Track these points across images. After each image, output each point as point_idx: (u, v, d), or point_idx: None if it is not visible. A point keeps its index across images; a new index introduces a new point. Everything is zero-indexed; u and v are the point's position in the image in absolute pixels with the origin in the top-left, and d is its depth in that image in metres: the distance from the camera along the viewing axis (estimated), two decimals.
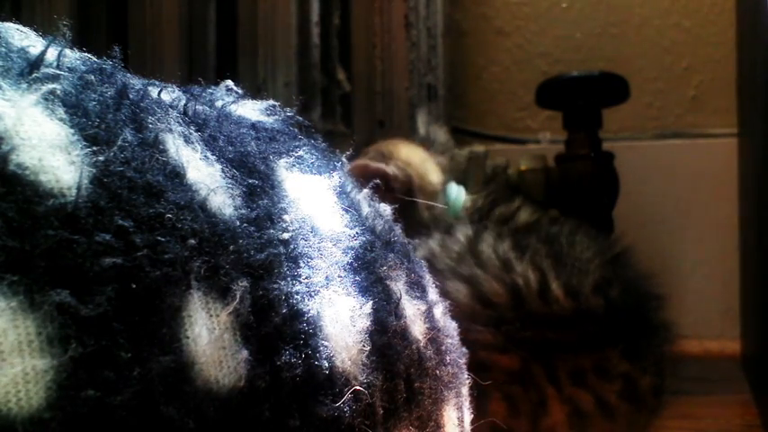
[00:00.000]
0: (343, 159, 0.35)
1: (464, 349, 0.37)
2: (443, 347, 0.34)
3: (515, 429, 0.58)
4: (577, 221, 0.79)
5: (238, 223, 0.26)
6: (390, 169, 0.80)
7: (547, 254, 0.65)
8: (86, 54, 0.28)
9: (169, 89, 0.29)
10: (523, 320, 0.59)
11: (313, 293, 0.27)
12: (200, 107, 0.29)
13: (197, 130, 0.28)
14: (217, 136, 0.28)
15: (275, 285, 0.25)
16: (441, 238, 0.68)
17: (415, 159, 0.84)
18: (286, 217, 0.28)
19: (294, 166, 0.30)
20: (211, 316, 0.23)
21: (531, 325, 0.59)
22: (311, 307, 0.26)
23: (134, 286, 0.22)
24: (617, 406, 0.60)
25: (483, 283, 0.61)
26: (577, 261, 0.65)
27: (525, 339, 0.58)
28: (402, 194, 0.79)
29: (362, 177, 0.78)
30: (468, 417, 0.36)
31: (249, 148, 0.29)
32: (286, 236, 0.27)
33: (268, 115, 0.33)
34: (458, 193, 0.84)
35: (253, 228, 0.26)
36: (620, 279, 0.66)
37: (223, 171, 0.27)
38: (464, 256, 0.64)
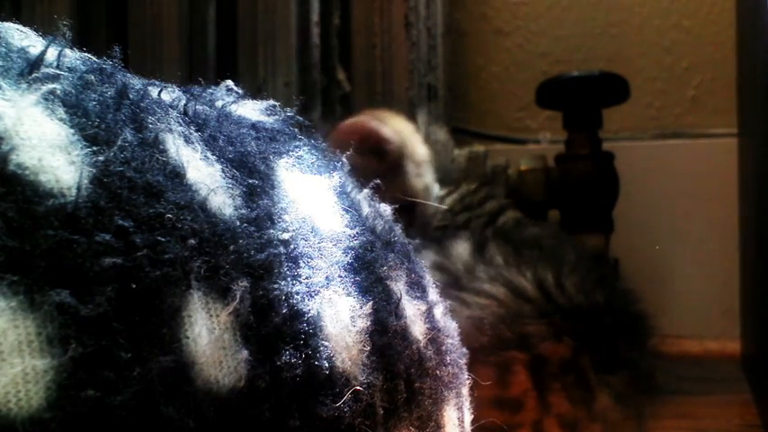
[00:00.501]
0: (344, 159, 0.35)
1: (464, 350, 0.37)
2: (443, 347, 0.34)
3: (576, 420, 0.59)
4: (555, 226, 0.82)
5: (238, 223, 0.26)
6: (386, 130, 0.79)
7: (548, 257, 0.66)
8: (86, 54, 0.28)
9: (169, 89, 0.29)
10: (559, 312, 0.60)
11: (313, 293, 0.27)
12: (201, 107, 0.29)
13: (197, 130, 0.28)
14: (217, 136, 0.28)
15: (275, 285, 0.25)
16: (441, 248, 0.68)
17: (404, 129, 0.85)
18: (286, 217, 0.28)
19: (294, 166, 0.30)
20: (211, 316, 0.23)
21: (565, 316, 0.60)
22: (311, 307, 0.26)
23: (134, 286, 0.22)
24: (631, 392, 0.61)
25: (513, 279, 0.62)
26: (574, 263, 0.67)
27: (568, 329, 0.59)
28: (394, 159, 0.79)
29: (356, 136, 0.78)
30: (468, 417, 0.36)
31: (249, 148, 0.29)
32: (286, 236, 0.27)
33: (268, 115, 0.33)
34: (433, 181, 0.85)
35: (253, 228, 0.26)
36: (606, 279, 0.68)
37: (223, 171, 0.27)
38: (476, 262, 0.65)
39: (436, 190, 0.86)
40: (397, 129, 0.83)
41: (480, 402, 0.57)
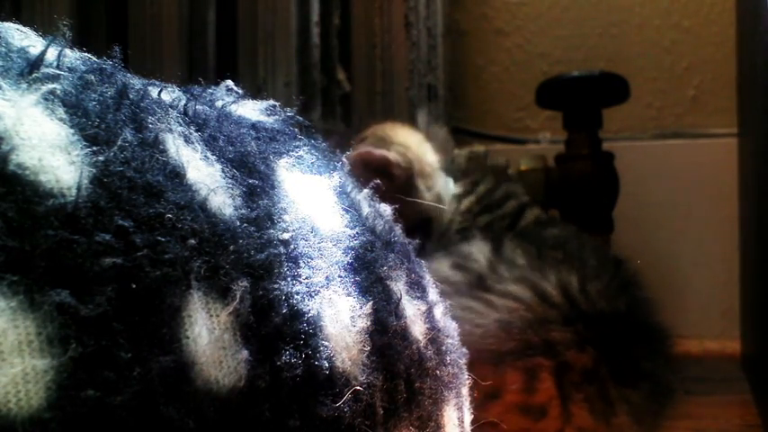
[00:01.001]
0: (344, 159, 0.35)
1: (464, 350, 0.37)
2: (444, 347, 0.34)
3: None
4: (575, 228, 0.81)
5: (238, 223, 0.26)
6: (392, 156, 0.80)
7: (572, 260, 0.66)
8: (86, 54, 0.28)
9: (169, 89, 0.29)
10: (582, 319, 0.60)
11: (313, 293, 0.27)
12: (201, 107, 0.29)
13: (197, 130, 0.28)
14: (217, 136, 0.28)
15: (275, 285, 0.25)
16: (458, 250, 0.68)
17: (412, 142, 0.85)
18: (286, 217, 0.28)
19: (294, 166, 0.30)
20: (211, 316, 0.23)
21: (588, 323, 0.60)
22: (311, 307, 0.26)
23: (134, 286, 0.22)
24: (649, 409, 0.61)
25: (538, 283, 0.62)
26: (597, 268, 0.66)
27: (591, 337, 0.59)
28: (403, 181, 0.80)
29: (365, 165, 0.79)
30: (468, 417, 0.36)
31: (249, 148, 0.29)
32: (286, 236, 0.27)
33: (268, 115, 0.33)
34: (445, 184, 0.85)
35: (253, 228, 0.26)
36: (628, 285, 0.67)
37: (223, 171, 0.27)
38: (498, 261, 0.65)
39: (451, 188, 0.85)
40: (405, 144, 0.83)
41: (506, 407, 0.57)
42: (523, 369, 0.57)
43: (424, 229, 0.79)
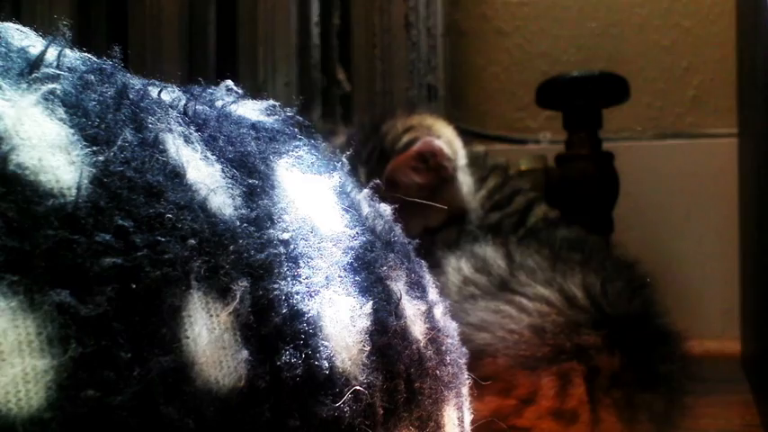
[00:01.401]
0: (344, 159, 0.35)
1: (464, 350, 0.37)
2: (443, 347, 0.34)
3: None
4: (583, 229, 0.80)
5: (238, 223, 0.26)
6: (446, 149, 0.79)
7: (590, 261, 0.66)
8: (86, 54, 0.28)
9: (169, 89, 0.29)
10: (608, 322, 0.59)
11: (313, 293, 0.27)
12: (201, 107, 0.29)
13: (197, 130, 0.28)
14: (217, 136, 0.28)
15: (275, 285, 0.25)
16: (473, 252, 0.68)
17: (452, 134, 0.84)
18: (286, 217, 0.28)
19: (294, 166, 0.30)
20: (211, 316, 0.23)
21: (613, 326, 0.59)
22: (311, 307, 0.26)
23: (134, 286, 0.22)
24: (666, 409, 0.61)
25: (564, 285, 0.61)
26: (615, 270, 0.66)
27: (618, 340, 0.59)
28: (449, 174, 0.79)
29: (430, 154, 0.78)
30: (468, 417, 0.36)
31: (249, 148, 0.29)
32: (286, 236, 0.27)
33: (268, 115, 0.33)
34: (470, 178, 0.85)
35: (253, 228, 0.26)
36: (640, 286, 0.67)
37: (223, 171, 0.27)
38: (516, 265, 0.65)
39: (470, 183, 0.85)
40: (449, 137, 0.83)
41: (540, 412, 0.57)
42: (558, 374, 0.57)
43: (460, 220, 0.78)
